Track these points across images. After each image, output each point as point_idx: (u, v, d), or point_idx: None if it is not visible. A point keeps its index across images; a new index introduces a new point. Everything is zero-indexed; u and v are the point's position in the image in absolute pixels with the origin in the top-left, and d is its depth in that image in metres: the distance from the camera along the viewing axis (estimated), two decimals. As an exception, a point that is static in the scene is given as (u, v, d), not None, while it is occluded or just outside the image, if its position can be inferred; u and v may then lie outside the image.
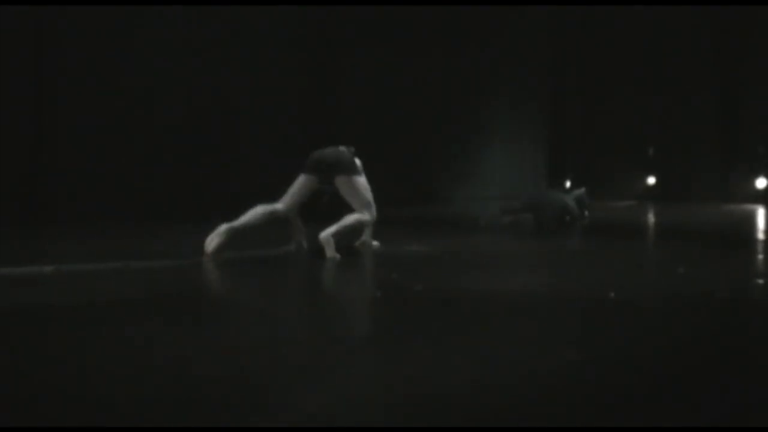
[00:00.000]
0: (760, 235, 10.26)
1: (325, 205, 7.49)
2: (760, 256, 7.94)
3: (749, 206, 15.47)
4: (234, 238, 6.97)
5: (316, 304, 5.12)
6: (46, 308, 4.54)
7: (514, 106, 16.69)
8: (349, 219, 7.31)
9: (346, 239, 7.44)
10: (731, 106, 17.55)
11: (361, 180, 7.47)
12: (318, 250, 7.00)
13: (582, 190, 11.93)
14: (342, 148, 7.55)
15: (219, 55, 11.98)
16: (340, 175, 7.34)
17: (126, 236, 8.82)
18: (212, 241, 6.89)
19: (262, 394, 2.89)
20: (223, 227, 6.96)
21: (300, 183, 7.45)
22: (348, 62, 12.88)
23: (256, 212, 7.20)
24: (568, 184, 18.31)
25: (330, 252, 6.96)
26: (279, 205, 7.37)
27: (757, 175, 16.73)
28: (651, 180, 18.74)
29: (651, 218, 13.83)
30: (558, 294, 5.24)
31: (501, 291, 5.35)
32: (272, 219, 7.31)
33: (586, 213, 11.65)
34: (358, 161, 7.54)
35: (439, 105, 14.42)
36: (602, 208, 14.39)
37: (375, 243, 7.84)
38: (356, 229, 7.51)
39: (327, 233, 7.03)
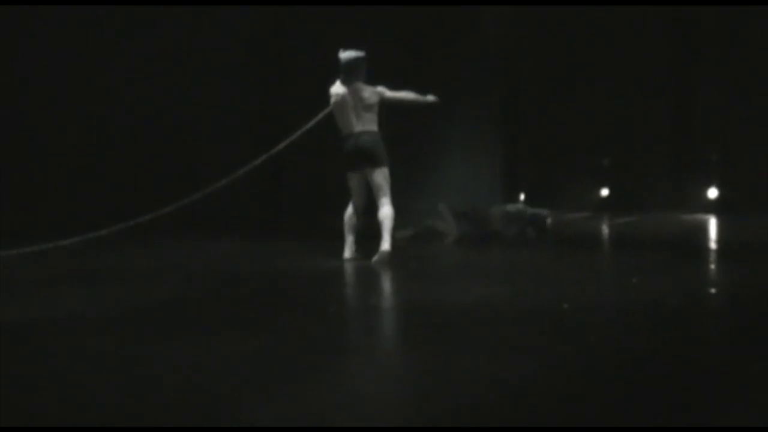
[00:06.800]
0: (712, 245, 10.34)
1: None
2: (712, 266, 7.99)
3: (701, 216, 15.63)
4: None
5: (278, 321, 5.00)
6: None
7: (468, 118, 16.71)
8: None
9: None
10: (684, 116, 17.74)
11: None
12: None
13: (544, 211, 11.94)
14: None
15: (171, 61, 11.89)
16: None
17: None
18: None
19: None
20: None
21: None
22: (300, 68, 12.78)
23: None
24: (522, 196, 18.36)
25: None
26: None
27: (708, 184, 16.90)
28: (605, 191, 18.87)
29: (605, 229, 13.91)
30: (512, 305, 5.22)
31: (456, 303, 5.30)
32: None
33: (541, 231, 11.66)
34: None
35: (393, 115, 14.40)
36: (557, 220, 14.44)
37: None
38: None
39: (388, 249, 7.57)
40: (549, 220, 11.73)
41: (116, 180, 11.63)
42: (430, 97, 8.09)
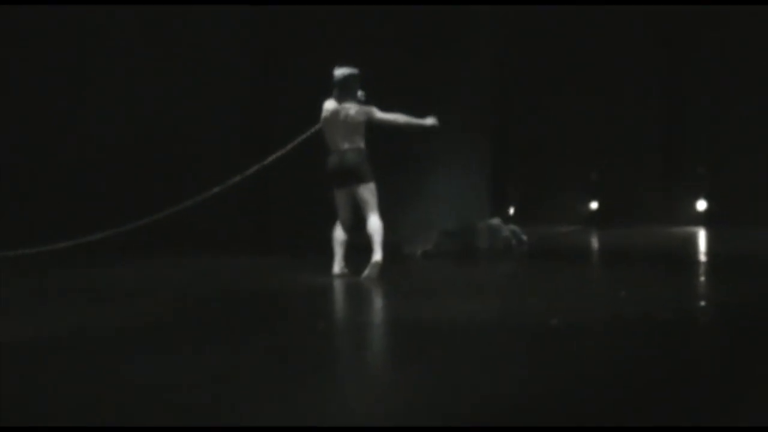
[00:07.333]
0: (701, 257, 10.35)
1: None
2: (702, 278, 7.99)
3: (690, 228, 15.65)
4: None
5: (268, 336, 4.97)
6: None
7: (456, 131, 16.58)
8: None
9: None
10: (672, 128, 17.76)
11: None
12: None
13: (516, 227, 12.04)
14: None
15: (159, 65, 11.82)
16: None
17: None
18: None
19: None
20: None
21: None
22: (287, 83, 12.72)
23: None
24: (511, 210, 18.32)
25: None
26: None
27: (697, 197, 16.92)
28: (594, 204, 18.86)
29: (594, 242, 13.91)
30: (503, 320, 5.21)
31: (445, 318, 5.28)
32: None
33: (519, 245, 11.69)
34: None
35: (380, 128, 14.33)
36: (546, 233, 14.43)
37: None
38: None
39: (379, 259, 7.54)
40: (524, 237, 11.85)
41: (109, 186, 11.53)
42: (429, 120, 8.01)
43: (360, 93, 7.93)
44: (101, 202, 10.85)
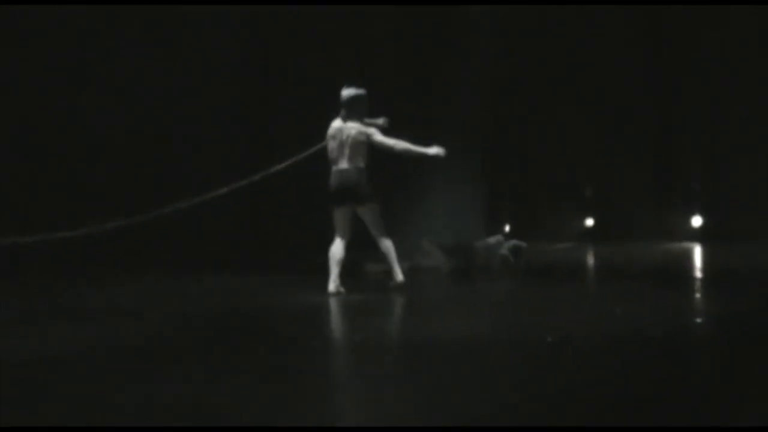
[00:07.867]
0: (697, 273, 10.35)
1: None
2: (697, 295, 7.98)
3: (686, 244, 15.65)
4: None
5: (267, 353, 4.95)
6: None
7: (451, 151, 16.40)
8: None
9: None
10: (666, 145, 17.78)
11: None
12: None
13: (518, 242, 12.04)
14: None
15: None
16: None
17: None
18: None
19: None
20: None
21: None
22: (287, 83, 12.71)
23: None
24: (507, 227, 18.31)
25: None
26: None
27: (692, 213, 16.93)
28: (589, 221, 18.86)
29: (589, 259, 13.90)
30: (497, 338, 5.20)
31: (440, 338, 5.26)
32: None
33: (518, 260, 11.66)
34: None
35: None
36: (540, 250, 14.40)
37: None
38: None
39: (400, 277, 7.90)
40: (523, 259, 11.86)
41: (109, 186, 11.49)
42: (433, 150, 7.92)
43: (383, 120, 8.03)
44: (101, 202, 10.81)
